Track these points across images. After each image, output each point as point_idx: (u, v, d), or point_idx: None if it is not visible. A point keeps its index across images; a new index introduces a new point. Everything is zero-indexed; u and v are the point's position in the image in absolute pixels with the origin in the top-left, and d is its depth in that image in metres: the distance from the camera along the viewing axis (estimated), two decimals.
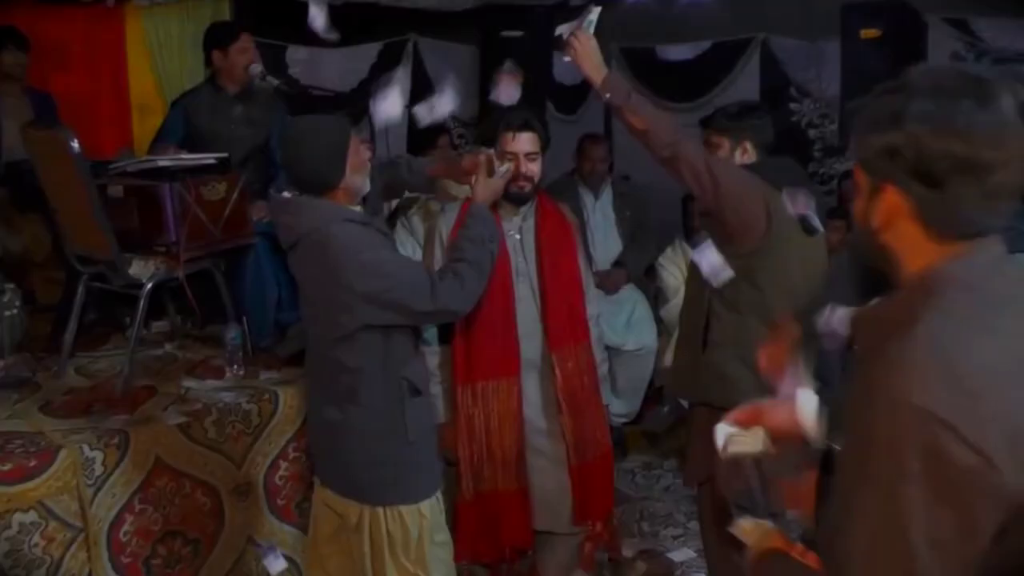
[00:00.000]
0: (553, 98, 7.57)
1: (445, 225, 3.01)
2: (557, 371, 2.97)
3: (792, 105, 7.24)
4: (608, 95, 2.69)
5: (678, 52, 8.28)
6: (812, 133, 7.23)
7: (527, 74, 7.35)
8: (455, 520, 2.97)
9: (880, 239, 1.30)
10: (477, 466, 2.96)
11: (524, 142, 2.91)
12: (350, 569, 2.62)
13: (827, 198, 5.63)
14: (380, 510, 2.53)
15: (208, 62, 4.02)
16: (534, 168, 2.94)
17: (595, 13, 2.80)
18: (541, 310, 2.98)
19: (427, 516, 2.59)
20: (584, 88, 8.50)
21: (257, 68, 3.90)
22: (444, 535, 2.68)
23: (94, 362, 3.83)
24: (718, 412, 2.58)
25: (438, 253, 3.00)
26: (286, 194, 2.53)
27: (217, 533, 3.30)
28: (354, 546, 2.59)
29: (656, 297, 5.08)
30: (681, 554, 3.94)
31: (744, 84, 7.64)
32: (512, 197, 2.95)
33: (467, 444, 2.96)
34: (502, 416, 2.95)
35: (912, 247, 1.28)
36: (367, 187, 2.58)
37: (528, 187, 2.94)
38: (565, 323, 2.99)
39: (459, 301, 2.53)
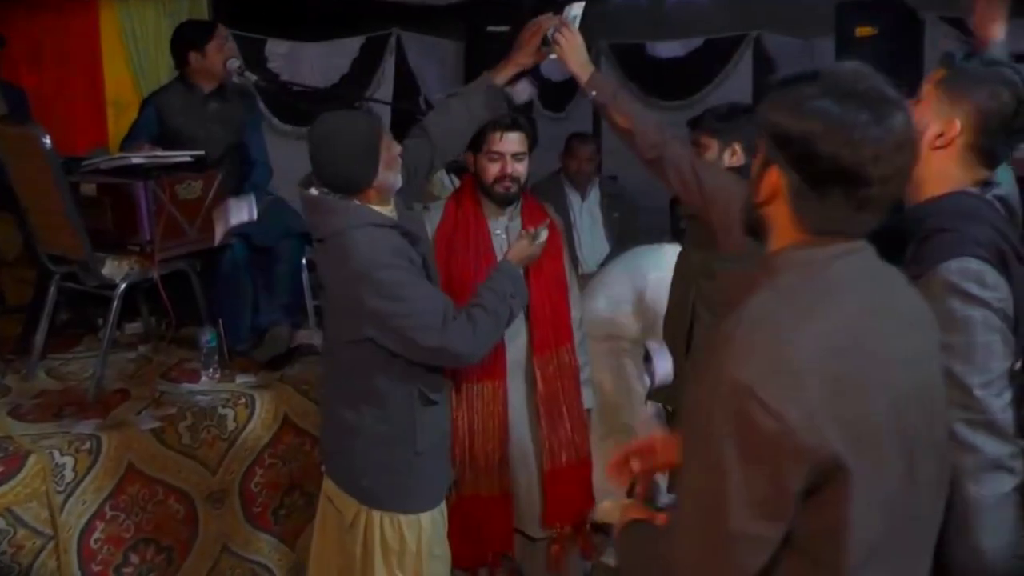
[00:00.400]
0: (540, 95, 7.60)
1: (430, 222, 3.01)
2: (538, 374, 2.99)
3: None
4: (593, 93, 2.70)
5: (669, 49, 8.31)
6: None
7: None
8: None
9: (760, 211, 1.42)
10: (460, 469, 2.97)
11: (512, 142, 2.92)
12: (347, 566, 2.61)
13: None
14: (377, 514, 2.52)
15: (181, 63, 3.95)
16: (520, 168, 2.95)
17: (579, 8, 2.80)
18: (526, 311, 2.98)
19: (426, 528, 2.56)
20: (572, 85, 8.55)
21: (235, 63, 3.87)
22: (443, 549, 2.65)
23: (65, 364, 3.82)
24: None
25: None
26: (313, 191, 2.48)
27: (191, 541, 3.30)
28: (347, 544, 2.58)
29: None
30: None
31: (736, 82, 7.67)
32: (497, 198, 2.96)
33: (450, 447, 2.97)
34: (485, 419, 2.96)
35: (780, 227, 1.40)
36: (399, 183, 2.54)
37: (514, 188, 2.95)
38: (549, 325, 3.01)
39: (467, 345, 2.46)
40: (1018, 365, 1.72)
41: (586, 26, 2.82)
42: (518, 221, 3.02)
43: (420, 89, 7.22)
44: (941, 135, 1.83)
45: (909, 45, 6.35)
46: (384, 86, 6.91)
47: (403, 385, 2.48)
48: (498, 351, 2.92)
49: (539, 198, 3.28)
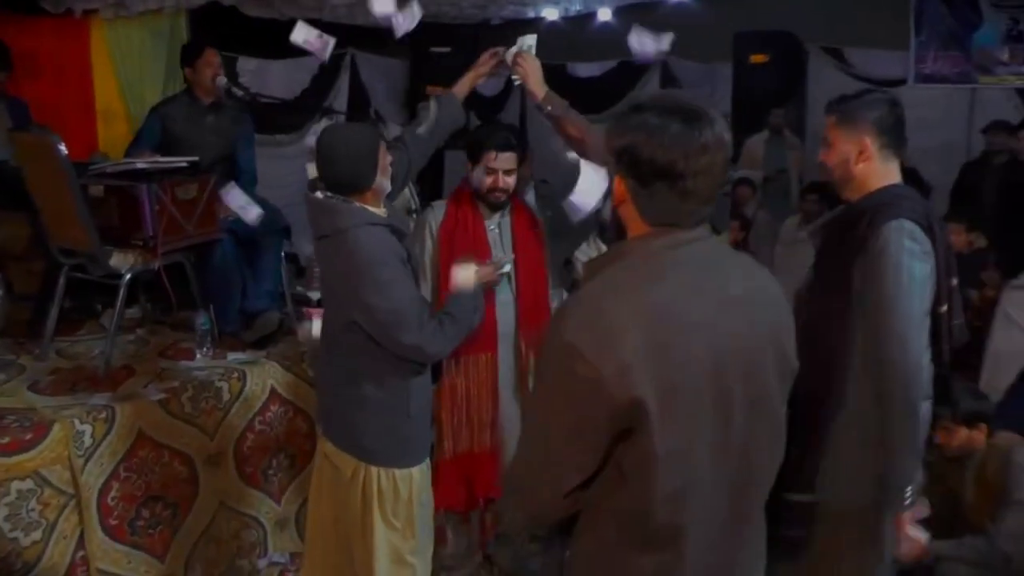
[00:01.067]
0: (474, 107, 7.74)
1: (434, 219, 3.16)
2: (523, 346, 3.14)
3: None
4: (549, 108, 2.87)
5: (587, 69, 8.52)
6: None
7: (453, 85, 7.51)
8: (435, 475, 3.09)
9: (617, 212, 1.59)
10: (457, 429, 3.12)
11: (504, 160, 3.05)
12: (344, 519, 2.69)
13: (723, 199, 5.94)
14: (375, 469, 2.61)
15: (184, 78, 4.10)
16: (510, 181, 3.08)
17: (532, 39, 2.98)
18: (515, 291, 3.15)
19: (416, 480, 2.66)
20: (500, 99, 8.72)
21: (223, 80, 3.97)
22: (428, 497, 2.76)
23: (72, 346, 3.86)
24: None
25: (428, 244, 3.16)
26: (319, 194, 2.58)
27: (193, 498, 3.38)
28: (348, 497, 2.66)
29: (573, 286, 5.28)
30: None
31: None
32: (491, 204, 3.11)
33: (449, 409, 3.12)
34: (479, 386, 3.12)
35: (631, 223, 1.57)
36: (389, 187, 2.65)
37: (503, 197, 3.10)
38: (532, 304, 3.17)
39: (434, 346, 2.58)
40: (943, 308, 2.17)
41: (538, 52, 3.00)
42: (508, 218, 3.18)
43: (371, 101, 7.33)
44: (860, 154, 2.22)
45: (796, 70, 6.68)
46: (340, 99, 7.03)
47: (396, 360, 2.57)
48: (490, 327, 3.07)
49: None
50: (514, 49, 2.96)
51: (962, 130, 6.60)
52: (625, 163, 1.50)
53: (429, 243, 3.17)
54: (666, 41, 3.09)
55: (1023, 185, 5.78)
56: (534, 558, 3.63)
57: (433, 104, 3.06)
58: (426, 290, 3.03)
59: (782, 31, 6.58)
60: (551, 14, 7.62)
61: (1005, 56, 6.36)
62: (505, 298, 3.14)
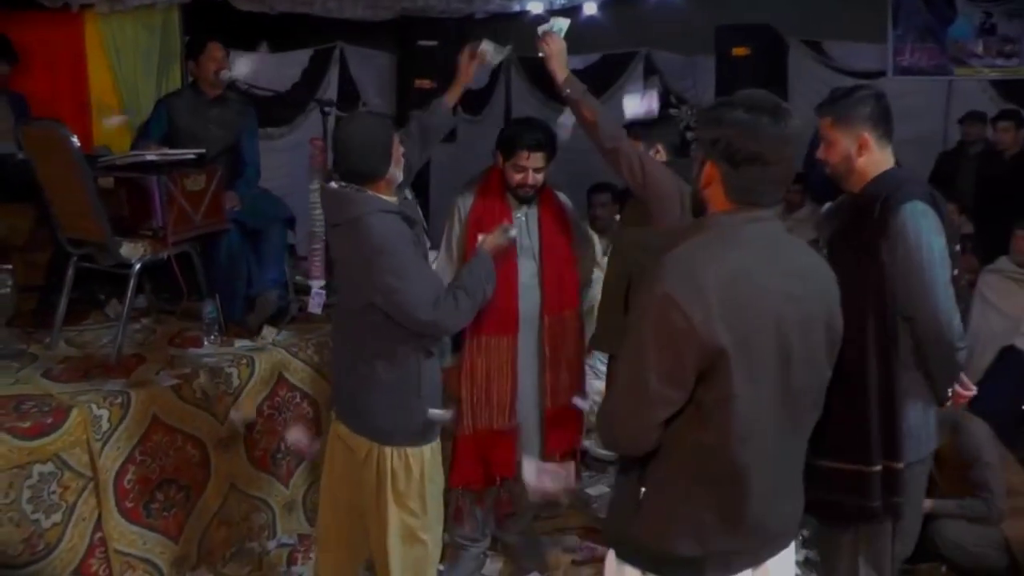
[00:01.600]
0: (461, 100, 7.78)
1: (463, 205, 3.27)
2: (546, 331, 3.24)
3: (671, 111, 7.63)
4: (568, 90, 2.98)
5: (570, 62, 8.57)
6: (689, 136, 7.65)
7: (440, 80, 7.57)
8: (454, 451, 3.21)
9: (702, 193, 1.86)
10: (476, 407, 3.22)
11: (536, 159, 3.15)
12: (357, 499, 2.77)
13: None
14: (388, 449, 2.68)
15: (188, 71, 4.16)
16: (539, 178, 3.19)
17: (564, 23, 3.09)
18: (540, 280, 3.24)
19: (428, 459, 2.74)
20: (487, 92, 8.79)
21: (227, 74, 4.04)
22: (439, 475, 2.83)
23: (79, 335, 3.92)
24: None
25: (457, 228, 3.26)
26: (334, 184, 2.65)
27: (205, 481, 3.46)
28: (362, 478, 2.73)
29: None
30: (596, 489, 4.28)
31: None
32: (520, 197, 3.21)
33: (469, 388, 3.21)
34: (500, 366, 3.21)
35: (715, 201, 1.83)
36: (401, 177, 2.73)
37: (532, 192, 3.20)
38: (556, 290, 3.26)
39: (451, 321, 2.69)
40: (955, 272, 2.41)
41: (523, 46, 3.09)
42: (535, 208, 3.27)
43: (360, 94, 7.38)
44: (860, 148, 2.40)
45: (777, 62, 6.79)
46: (329, 92, 7.06)
47: (408, 342, 2.65)
48: (511, 310, 3.18)
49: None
50: (545, 27, 3.06)
51: (939, 121, 6.76)
52: (720, 150, 1.77)
53: (458, 227, 3.28)
54: (655, 101, 3.24)
55: (998, 175, 5.95)
56: (542, 537, 3.75)
57: (425, 115, 3.18)
58: (452, 272, 3.09)
59: (763, 24, 6.69)
60: (536, 7, 7.69)
61: (979, 49, 6.57)
62: (529, 282, 3.23)
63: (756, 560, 1.87)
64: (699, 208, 1.90)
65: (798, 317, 1.76)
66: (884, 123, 2.42)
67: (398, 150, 2.66)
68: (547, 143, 3.18)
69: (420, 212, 2.97)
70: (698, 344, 1.67)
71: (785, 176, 1.79)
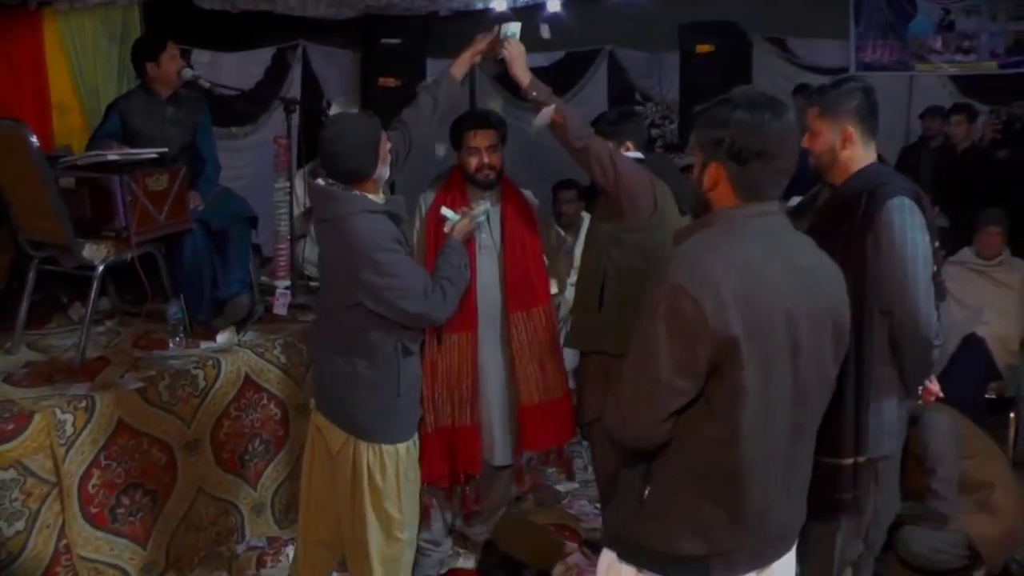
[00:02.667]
0: None
1: (425, 202, 3.28)
2: (512, 329, 3.25)
3: (636, 107, 7.67)
4: (534, 93, 2.98)
5: (535, 60, 8.43)
6: (654, 132, 7.70)
7: (404, 77, 7.51)
8: (420, 449, 3.18)
9: (706, 196, 1.88)
10: (438, 403, 3.21)
11: (484, 137, 3.17)
12: (335, 493, 2.78)
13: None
14: (364, 445, 2.69)
15: (141, 72, 4.03)
16: (495, 158, 3.19)
17: (517, 27, 3.08)
18: (501, 277, 3.25)
19: (403, 456, 2.75)
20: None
21: (189, 72, 3.98)
22: (415, 474, 2.84)
23: (42, 339, 3.86)
24: (612, 359, 2.94)
25: (417, 224, 3.27)
26: (320, 181, 2.65)
27: (171, 484, 3.42)
28: (337, 471, 2.74)
29: None
30: (565, 486, 4.28)
31: (593, 89, 8.02)
32: (479, 183, 3.20)
33: (430, 384, 3.19)
34: (461, 363, 3.21)
35: (721, 200, 1.86)
36: (388, 175, 2.73)
37: (492, 174, 3.19)
38: (522, 288, 3.26)
39: (439, 312, 2.71)
40: (935, 269, 2.44)
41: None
42: (498, 207, 3.27)
43: (323, 92, 7.32)
44: (845, 141, 2.43)
45: (740, 59, 6.86)
46: (293, 90, 7.00)
47: (389, 340, 2.67)
48: (470, 308, 3.17)
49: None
50: (502, 34, 3.05)
51: (901, 116, 6.85)
52: (725, 150, 1.80)
53: (418, 223, 3.29)
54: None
55: (956, 168, 6.03)
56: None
57: (433, 85, 3.14)
58: None
59: (727, 21, 6.75)
60: (499, 5, 7.68)
61: (938, 45, 6.70)
62: (487, 280, 3.24)
63: (761, 562, 1.87)
64: (704, 211, 1.92)
65: (807, 311, 1.78)
66: (870, 118, 2.45)
67: (385, 148, 2.67)
68: (493, 121, 3.21)
69: (405, 209, 2.94)
70: (710, 334, 1.68)
71: (789, 167, 1.82)
